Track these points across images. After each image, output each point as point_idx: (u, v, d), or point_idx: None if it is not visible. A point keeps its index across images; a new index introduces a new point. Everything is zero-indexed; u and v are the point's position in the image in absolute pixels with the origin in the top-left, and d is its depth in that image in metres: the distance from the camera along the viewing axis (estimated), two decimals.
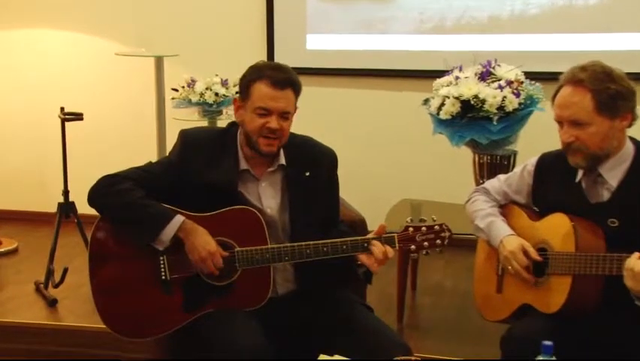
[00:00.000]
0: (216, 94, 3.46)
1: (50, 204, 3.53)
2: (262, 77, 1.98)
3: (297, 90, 2.02)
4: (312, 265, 1.97)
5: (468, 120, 2.76)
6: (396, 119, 3.98)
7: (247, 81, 2.02)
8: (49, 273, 3.19)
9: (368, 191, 3.86)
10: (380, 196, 3.63)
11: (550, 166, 2.05)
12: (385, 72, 3.89)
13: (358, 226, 2.36)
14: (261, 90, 1.98)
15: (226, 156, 2.03)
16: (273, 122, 1.97)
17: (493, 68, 2.83)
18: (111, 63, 4.14)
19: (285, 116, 1.99)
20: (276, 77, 1.97)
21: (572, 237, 1.89)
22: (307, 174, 2.06)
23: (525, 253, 1.98)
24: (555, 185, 2.02)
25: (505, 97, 2.71)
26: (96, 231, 1.98)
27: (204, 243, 1.93)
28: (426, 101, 2.97)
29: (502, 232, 2.05)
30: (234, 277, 1.97)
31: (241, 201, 2.01)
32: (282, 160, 2.06)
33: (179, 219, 1.94)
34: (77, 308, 2.99)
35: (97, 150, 4.26)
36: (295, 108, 2.04)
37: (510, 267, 2.00)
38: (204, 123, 3.51)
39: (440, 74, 2.96)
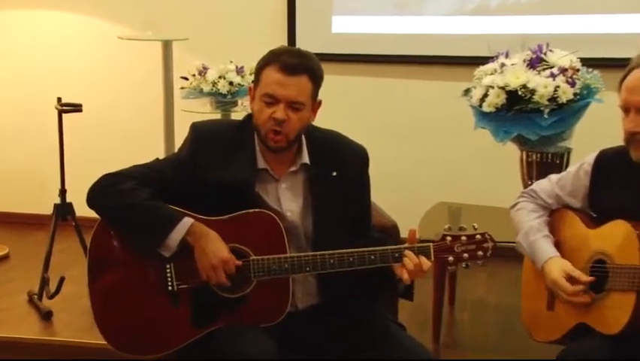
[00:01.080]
0: (231, 83, 3.48)
1: (45, 206, 3.56)
2: (274, 61, 1.98)
3: (314, 78, 2.00)
4: (337, 276, 1.97)
5: (515, 113, 2.74)
6: (433, 112, 3.97)
7: (259, 66, 2.02)
8: (44, 282, 3.21)
9: (400, 193, 3.87)
10: (414, 199, 3.64)
11: (610, 165, 2.04)
12: (420, 59, 3.89)
13: (390, 232, 2.37)
14: (270, 75, 1.97)
15: (242, 152, 2.04)
16: (279, 112, 1.96)
17: (545, 53, 2.81)
18: (113, 48, 4.18)
19: (295, 106, 1.97)
20: (288, 61, 1.96)
21: (636, 247, 1.88)
22: (334, 174, 2.06)
23: (570, 278, 1.97)
24: (616, 186, 2.00)
25: (557, 87, 2.69)
26: (96, 235, 2.00)
27: (216, 249, 1.94)
28: (466, 92, 2.96)
29: (544, 254, 2.05)
30: (249, 289, 1.97)
31: (258, 203, 2.01)
32: (305, 158, 2.07)
33: (187, 221, 1.95)
34: (75, 322, 3.02)
35: (97, 146, 4.31)
36: (314, 101, 2.03)
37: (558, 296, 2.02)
38: (217, 116, 3.53)
39: (483, 60, 2.95)
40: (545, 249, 2.05)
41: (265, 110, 1.99)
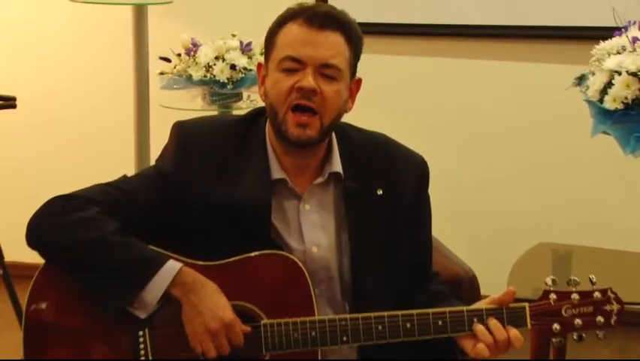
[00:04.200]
0: (232, 67, 3.50)
1: None
2: (295, 15, 2.04)
3: (352, 40, 2.05)
4: (385, 349, 1.97)
5: None
6: (527, 109, 3.96)
7: (272, 30, 2.08)
8: None
9: (478, 227, 3.88)
10: (500, 238, 3.66)
11: None
12: (507, 30, 3.90)
13: (464, 285, 2.38)
14: (291, 33, 2.03)
15: (249, 159, 2.09)
16: (306, 80, 1.99)
17: None
18: (62, 16, 4.26)
19: (329, 73, 2.01)
20: (316, 12, 2.03)
21: None
22: (380, 192, 2.10)
23: None
24: None
25: None
26: (37, 289, 2.00)
27: (214, 307, 1.94)
28: (580, 80, 2.96)
29: None
30: None
31: (270, 235, 2.05)
32: (337, 166, 2.10)
33: (173, 266, 1.96)
34: None
35: (39, 157, 4.36)
36: (352, 75, 2.07)
37: None
38: (212, 114, 3.52)
39: (605, 33, 2.96)
40: None
41: (284, 82, 2.01)
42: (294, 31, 2.02)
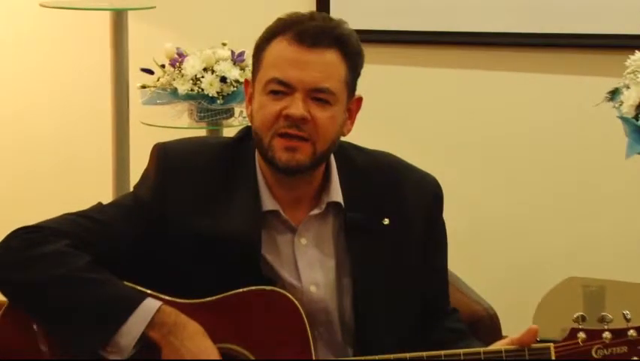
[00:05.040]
0: (223, 79, 3.48)
1: None
2: (284, 29, 2.02)
3: (349, 56, 2.03)
4: None
5: None
6: (554, 128, 3.93)
7: (259, 43, 2.06)
8: None
9: (499, 260, 3.85)
10: (524, 272, 3.62)
11: None
12: (536, 39, 3.88)
13: (483, 325, 2.37)
14: (278, 51, 2.01)
15: (238, 186, 2.08)
16: (295, 106, 1.97)
17: None
18: (32, 24, 4.24)
19: (321, 97, 2.00)
20: (307, 26, 2.00)
21: None
22: (386, 221, 2.09)
23: None
24: None
25: None
26: None
27: (198, 351, 1.93)
28: (613, 95, 2.94)
29: None
30: None
31: (262, 271, 2.03)
32: (336, 194, 2.09)
33: (151, 305, 1.96)
34: None
35: (3, 181, 4.34)
36: (350, 94, 2.06)
37: None
38: (201, 133, 3.56)
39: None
40: None
41: (270, 106, 2.00)
42: (282, 49, 2.01)
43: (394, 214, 2.09)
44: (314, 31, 1.99)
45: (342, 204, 2.08)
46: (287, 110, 1.98)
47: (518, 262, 3.89)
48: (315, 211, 2.08)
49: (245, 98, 2.13)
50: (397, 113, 3.97)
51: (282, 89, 1.99)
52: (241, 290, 1.99)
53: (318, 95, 1.99)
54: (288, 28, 2.01)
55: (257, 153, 2.10)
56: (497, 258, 3.83)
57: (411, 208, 2.12)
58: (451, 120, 4.03)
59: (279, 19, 2.05)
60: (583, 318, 1.98)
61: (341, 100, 2.03)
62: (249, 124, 2.13)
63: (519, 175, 4.00)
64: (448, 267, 2.24)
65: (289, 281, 2.05)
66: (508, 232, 3.98)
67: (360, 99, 2.10)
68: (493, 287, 2.70)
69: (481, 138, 4.01)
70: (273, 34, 2.03)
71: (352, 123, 2.10)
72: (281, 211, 2.07)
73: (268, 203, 2.07)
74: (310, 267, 2.07)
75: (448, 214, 2.18)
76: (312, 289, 2.06)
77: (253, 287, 1.99)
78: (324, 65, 1.99)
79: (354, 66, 2.04)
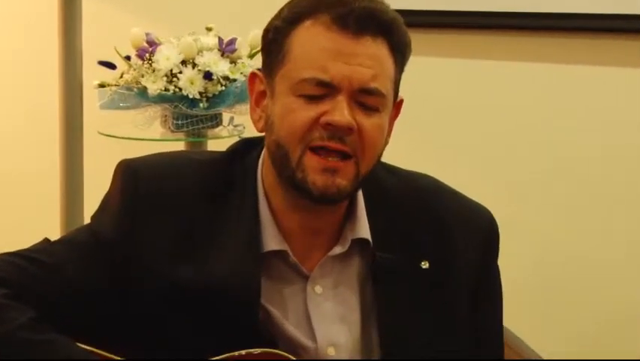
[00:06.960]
0: (208, 75, 3.47)
1: None
2: (317, 9, 1.98)
3: (398, 46, 2.01)
4: None
5: None
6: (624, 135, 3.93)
7: (279, 29, 2.02)
8: None
9: (569, 314, 3.87)
10: (603, 329, 3.65)
11: None
12: (594, 20, 3.94)
13: None
14: (314, 38, 1.98)
15: (230, 220, 2.07)
16: (339, 112, 1.94)
17: None
18: None
19: (370, 104, 1.97)
20: (352, 7, 1.96)
21: None
22: (425, 265, 2.11)
23: None
24: None
25: None
26: None
27: None
28: None
29: None
30: None
31: (262, 327, 2.02)
32: (363, 229, 2.09)
33: None
34: None
35: None
36: (394, 94, 2.04)
37: None
38: (178, 146, 3.54)
39: None
40: None
41: (303, 110, 1.96)
42: (319, 36, 1.98)
43: (435, 256, 2.11)
44: (360, 13, 1.96)
45: (371, 241, 2.07)
46: (329, 117, 1.94)
47: (595, 318, 3.90)
48: (336, 251, 2.07)
49: (249, 97, 2.06)
50: (441, 119, 4.03)
51: (321, 91, 1.96)
52: (236, 353, 2.00)
53: (363, 99, 1.97)
54: (324, 7, 1.96)
55: (260, 173, 2.10)
56: (567, 311, 3.88)
57: (457, 250, 2.14)
58: (513, 132, 4.06)
59: None
60: None
61: (388, 105, 2.00)
62: (244, 137, 2.10)
63: (597, 210, 4.03)
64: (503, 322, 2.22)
65: (299, 341, 2.04)
66: (582, 278, 3.96)
67: (401, 102, 2.07)
68: (560, 348, 2.73)
69: (547, 155, 4.04)
70: (302, 14, 1.98)
71: (390, 135, 2.05)
72: (289, 252, 2.05)
73: (272, 241, 2.05)
74: (327, 323, 2.08)
75: (503, 254, 2.19)
76: (331, 351, 2.07)
77: (252, 350, 2.00)
78: (372, 59, 1.98)
79: (402, 62, 2.03)
